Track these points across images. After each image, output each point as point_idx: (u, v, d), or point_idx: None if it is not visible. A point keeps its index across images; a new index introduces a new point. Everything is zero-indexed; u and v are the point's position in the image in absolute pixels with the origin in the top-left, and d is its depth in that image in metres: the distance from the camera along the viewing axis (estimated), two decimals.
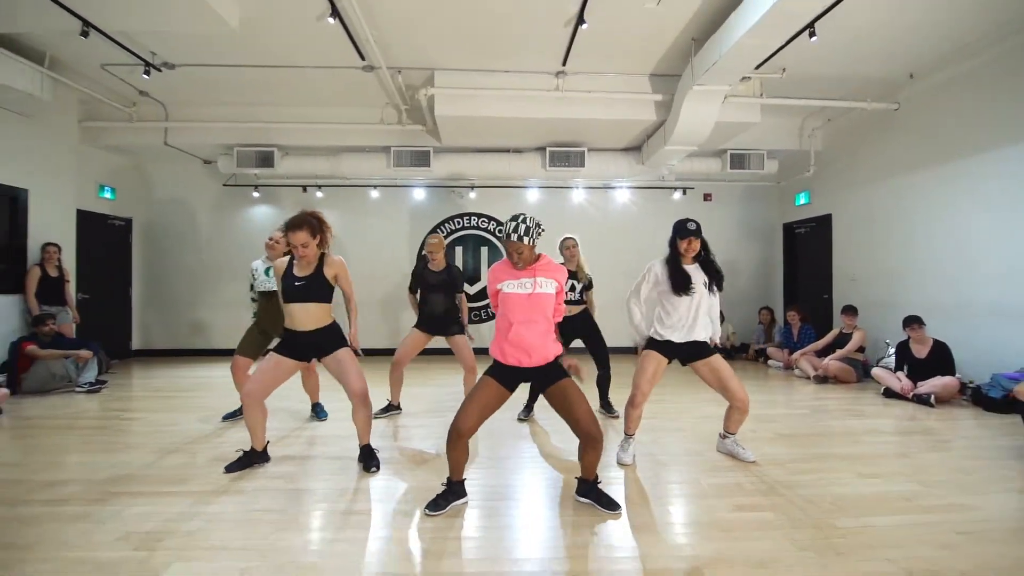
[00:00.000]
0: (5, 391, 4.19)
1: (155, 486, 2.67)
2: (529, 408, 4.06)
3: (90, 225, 6.43)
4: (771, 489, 2.60)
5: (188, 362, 6.93)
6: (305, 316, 2.80)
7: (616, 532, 2.18)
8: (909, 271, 5.49)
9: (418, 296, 4.09)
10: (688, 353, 2.92)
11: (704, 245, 2.89)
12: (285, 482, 2.72)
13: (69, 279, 5.65)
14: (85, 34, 4.17)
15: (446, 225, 7.71)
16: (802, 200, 7.25)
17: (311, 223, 2.76)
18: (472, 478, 2.69)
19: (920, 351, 4.71)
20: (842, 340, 5.67)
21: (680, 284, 2.83)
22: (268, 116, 6.20)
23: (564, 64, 5.17)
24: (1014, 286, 4.44)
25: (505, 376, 2.37)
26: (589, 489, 2.42)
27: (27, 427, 3.80)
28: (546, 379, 2.36)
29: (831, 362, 5.40)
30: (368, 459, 2.92)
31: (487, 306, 7.72)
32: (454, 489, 2.41)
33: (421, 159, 6.37)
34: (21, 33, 4.55)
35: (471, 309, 7.70)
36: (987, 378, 4.39)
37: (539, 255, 2.41)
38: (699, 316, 2.87)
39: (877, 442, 3.46)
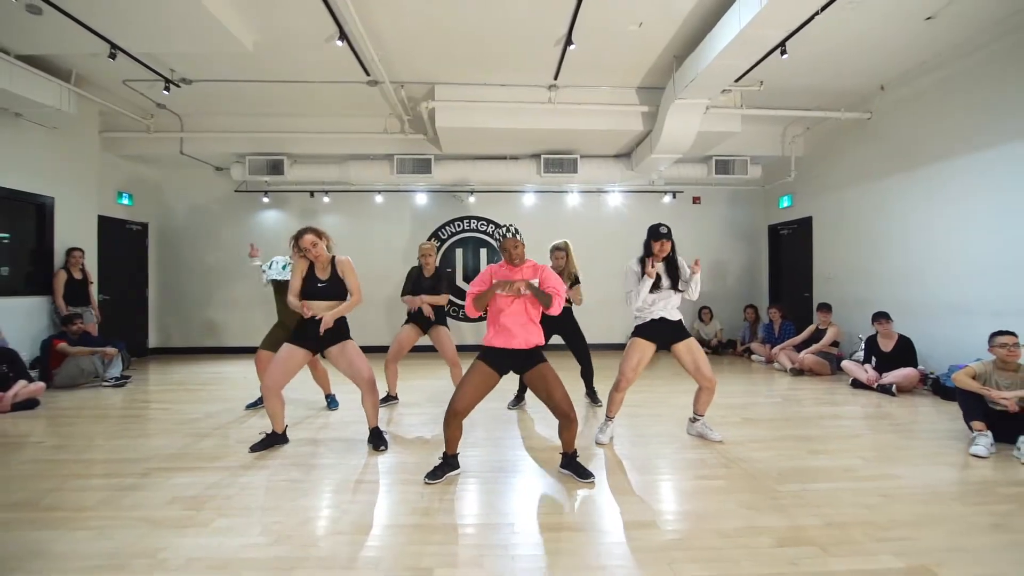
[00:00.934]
0: (42, 384, 4.58)
1: (192, 463, 3.05)
2: (519, 398, 4.44)
3: (110, 230, 6.82)
4: (729, 463, 2.98)
5: (202, 359, 7.33)
6: (325, 310, 3.21)
7: (594, 494, 2.56)
8: (881, 270, 5.85)
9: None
10: (669, 335, 3.27)
11: (672, 246, 3.26)
12: (304, 458, 3.11)
13: (92, 281, 6.04)
14: (113, 56, 4.56)
15: (447, 228, 8.09)
16: (785, 203, 7.61)
17: (315, 229, 3.26)
18: (469, 455, 3.07)
19: (886, 344, 5.07)
20: (818, 335, 6.03)
21: (657, 281, 3.23)
22: (278, 127, 6.59)
23: (556, 78, 5.55)
24: (973, 284, 4.80)
25: (494, 360, 2.74)
26: (568, 462, 2.81)
27: (64, 416, 4.19)
28: (527, 363, 2.74)
29: (806, 355, 5.77)
30: (377, 439, 3.30)
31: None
32: (449, 462, 2.80)
33: (423, 166, 6.75)
34: (52, 54, 4.94)
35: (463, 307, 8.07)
36: (946, 369, 4.75)
37: (526, 260, 2.83)
38: (672, 302, 3.26)
39: (835, 425, 3.83)
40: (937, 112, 5.16)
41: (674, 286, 3.27)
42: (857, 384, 5.08)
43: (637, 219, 8.10)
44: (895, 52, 4.92)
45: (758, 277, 8.32)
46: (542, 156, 6.86)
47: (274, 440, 3.31)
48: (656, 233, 3.21)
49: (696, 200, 8.22)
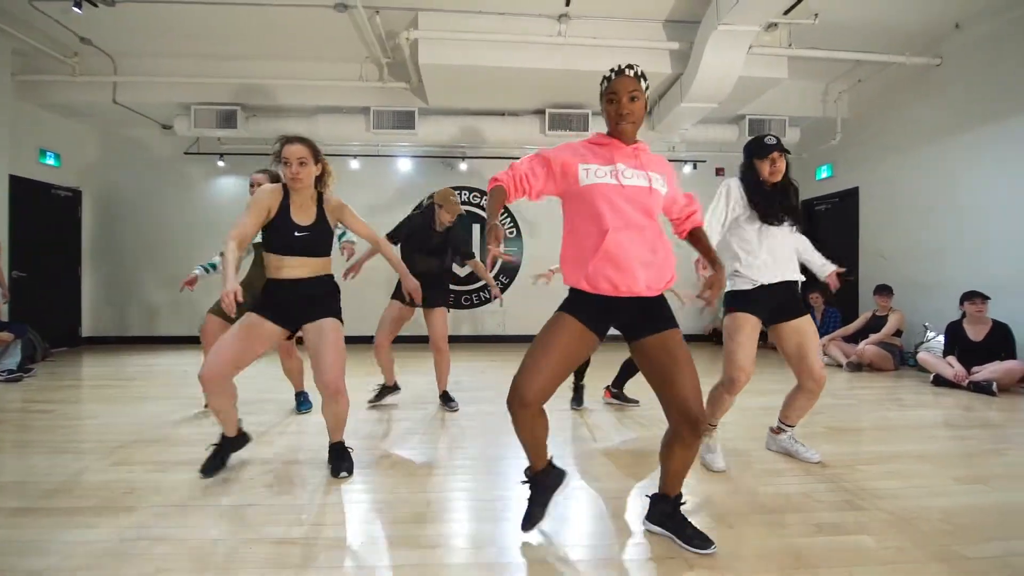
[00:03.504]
0: None
1: (69, 501, 1.98)
2: (579, 395, 3.43)
3: (28, 194, 5.66)
4: (856, 501, 1.97)
5: (145, 350, 6.19)
6: (302, 267, 2.17)
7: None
8: (950, 247, 4.88)
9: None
10: (780, 309, 2.23)
11: (788, 166, 2.22)
12: (252, 494, 2.04)
13: None
14: None
15: None
16: (824, 174, 6.63)
17: (312, 143, 2.17)
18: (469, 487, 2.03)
19: (977, 332, 4.11)
20: (876, 323, 5.07)
21: (768, 209, 2.16)
22: (231, 71, 5.46)
23: (568, 5, 4.50)
24: None
25: (591, 313, 1.57)
26: (667, 512, 1.68)
27: None
28: (647, 323, 1.56)
29: (867, 347, 4.79)
30: (338, 460, 2.26)
31: (481, 289, 7.04)
32: (541, 482, 1.71)
33: (405, 120, 5.67)
34: None
35: (461, 294, 7.03)
36: None
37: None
38: (790, 254, 2.23)
39: (952, 437, 2.86)
40: None
41: (796, 221, 2.22)
42: (940, 381, 4.11)
43: None
44: None
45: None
46: (547, 111, 5.80)
47: (229, 448, 2.31)
48: (763, 147, 2.16)
49: (720, 172, 7.21)
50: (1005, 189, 4.40)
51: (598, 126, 5.93)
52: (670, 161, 6.90)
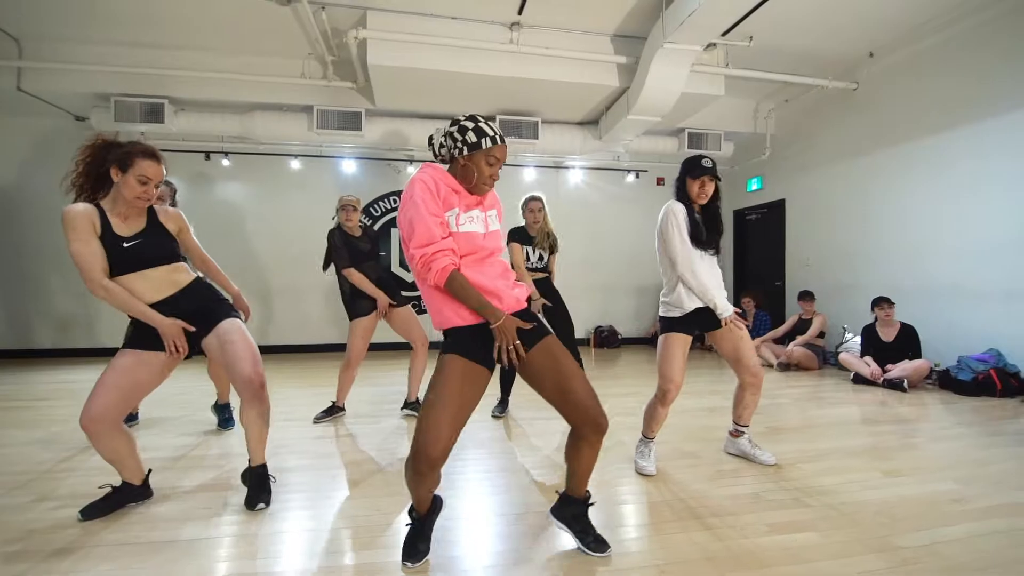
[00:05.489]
0: None
1: None
2: (504, 400, 3.42)
3: None
4: (796, 500, 2.10)
5: (56, 365, 5.59)
6: (150, 284, 1.94)
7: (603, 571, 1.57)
8: (867, 253, 5.37)
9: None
10: (708, 322, 2.37)
11: (717, 191, 2.35)
12: (136, 532, 1.87)
13: None
14: None
15: (380, 204, 6.83)
16: (754, 185, 7.09)
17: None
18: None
19: (887, 334, 4.54)
20: (802, 326, 5.48)
21: (695, 233, 2.29)
22: (158, 61, 5.04)
23: (520, 13, 4.53)
24: (975, 265, 4.35)
25: (473, 346, 1.56)
26: (575, 512, 1.75)
27: None
28: (526, 336, 1.58)
29: (795, 348, 5.17)
30: (257, 489, 2.06)
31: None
32: (428, 523, 1.69)
33: (351, 121, 5.48)
34: None
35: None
36: (954, 360, 4.26)
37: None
38: (718, 281, 2.37)
39: (877, 432, 3.10)
40: (933, 80, 4.69)
41: (716, 246, 2.37)
42: (859, 379, 4.50)
43: (600, 199, 7.33)
44: (892, 10, 4.42)
45: (722, 266, 7.78)
46: (498, 117, 5.81)
47: (125, 497, 2.02)
48: (697, 167, 2.28)
49: (660, 181, 7.53)
50: (912, 201, 4.89)
51: (548, 135, 6.03)
52: (613, 171, 7.19)
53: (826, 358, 5.36)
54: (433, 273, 1.49)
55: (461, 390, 1.52)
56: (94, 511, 1.94)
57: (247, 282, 6.03)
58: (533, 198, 3.48)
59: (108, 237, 1.85)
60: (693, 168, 2.31)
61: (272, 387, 3.96)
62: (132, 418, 3.16)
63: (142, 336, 1.94)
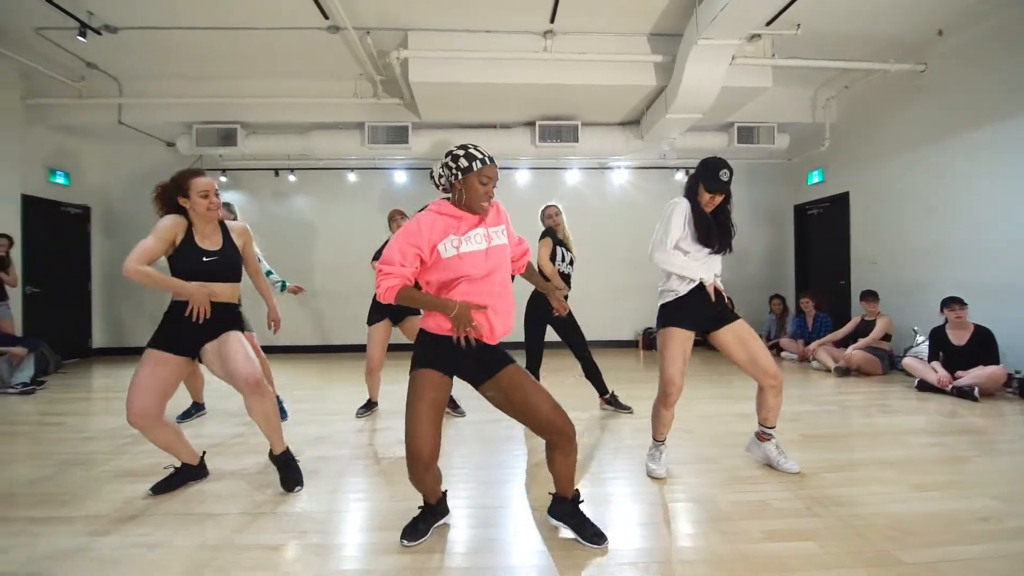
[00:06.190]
0: None
1: (28, 509, 2.12)
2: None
3: (39, 212, 5.89)
4: (807, 508, 2.05)
5: None
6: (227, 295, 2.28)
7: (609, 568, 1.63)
8: (940, 250, 4.92)
9: None
10: (710, 316, 2.35)
11: (727, 200, 2.33)
12: (216, 501, 2.17)
13: (14, 271, 5.08)
14: None
15: None
16: (815, 178, 6.68)
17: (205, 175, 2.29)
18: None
19: (959, 337, 4.15)
20: (865, 328, 5.11)
21: (706, 232, 2.28)
22: (230, 90, 5.64)
23: (552, 22, 4.62)
24: None
25: (441, 358, 1.75)
26: (567, 511, 1.86)
27: None
28: (490, 364, 1.76)
29: (855, 352, 4.84)
30: (286, 472, 2.32)
31: None
32: (433, 510, 1.89)
33: (398, 135, 5.82)
34: None
35: None
36: None
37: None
38: (714, 266, 2.35)
39: (922, 444, 2.90)
40: (1010, 57, 4.23)
41: (722, 249, 2.35)
42: (924, 386, 4.16)
43: (646, 199, 7.22)
44: None
45: (783, 264, 7.40)
46: (537, 123, 5.92)
47: (186, 476, 2.35)
48: (714, 180, 2.24)
49: None
50: (992, 191, 4.44)
51: (588, 138, 6.04)
52: (661, 169, 7.05)
53: (893, 363, 4.97)
54: (381, 289, 1.70)
55: (434, 398, 1.71)
56: (161, 487, 2.28)
57: (308, 286, 6.58)
58: (549, 206, 3.65)
59: (191, 248, 2.18)
60: (710, 180, 2.27)
61: (323, 384, 4.35)
62: (199, 408, 3.59)
63: (164, 338, 2.19)
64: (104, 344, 6.91)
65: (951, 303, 4.16)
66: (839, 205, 6.30)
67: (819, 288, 6.38)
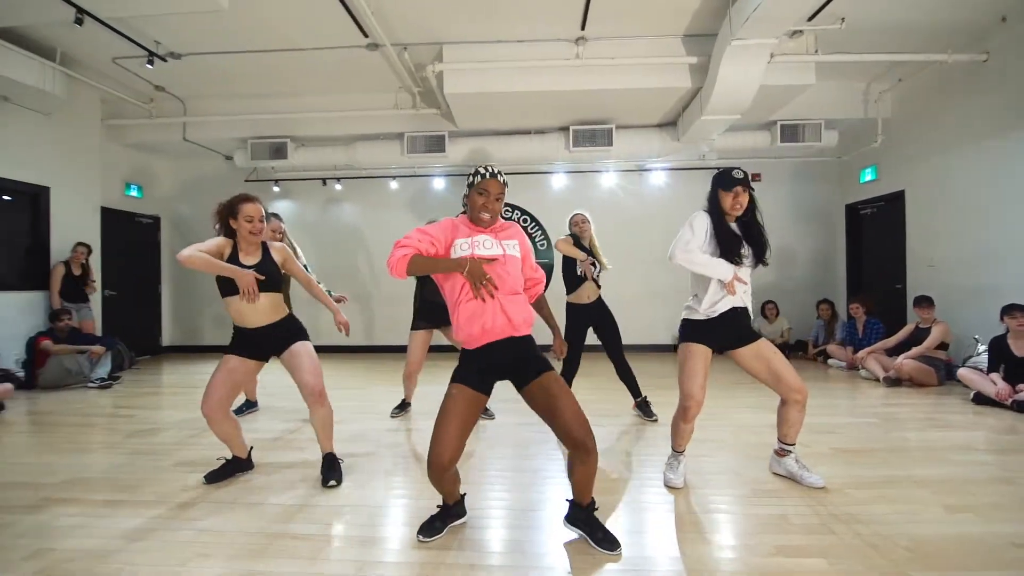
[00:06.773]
0: (8, 386, 4.15)
1: (105, 492, 2.41)
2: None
3: (116, 223, 6.50)
4: (824, 524, 2.02)
5: (217, 357, 6.89)
6: (256, 309, 2.48)
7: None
8: (1006, 253, 4.57)
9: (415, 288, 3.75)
10: (731, 337, 2.35)
11: (752, 201, 2.31)
12: (263, 492, 2.39)
13: (93, 278, 5.65)
14: (79, 21, 4.06)
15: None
16: (868, 176, 6.34)
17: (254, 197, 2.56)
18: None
19: (1021, 347, 3.86)
20: (919, 336, 4.83)
21: (729, 246, 2.27)
22: (281, 107, 6.03)
23: (583, 29, 4.65)
24: None
25: (474, 376, 1.89)
26: (580, 516, 1.92)
27: (16, 424, 3.72)
28: (527, 370, 1.86)
29: (905, 361, 4.59)
30: (328, 470, 2.54)
31: None
32: (450, 511, 2.03)
33: (436, 144, 6.01)
34: (28, 26, 4.52)
35: None
36: None
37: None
38: (746, 287, 2.33)
39: (967, 462, 2.75)
40: None
41: (759, 258, 2.33)
42: (982, 399, 3.90)
43: (685, 202, 7.05)
44: None
45: (833, 266, 7.06)
46: (571, 128, 5.96)
47: (236, 467, 2.62)
48: (728, 179, 2.25)
49: (755, 177, 7.04)
50: None
51: (623, 141, 6.02)
52: (701, 170, 6.90)
53: (951, 373, 4.67)
54: (394, 259, 1.81)
55: (465, 413, 1.83)
56: (214, 477, 2.55)
57: (354, 289, 6.93)
58: (576, 213, 3.69)
59: (234, 261, 2.44)
60: (724, 180, 2.29)
61: (365, 384, 4.56)
62: (252, 405, 3.89)
63: (240, 345, 2.51)
64: (173, 342, 7.53)
65: (1013, 310, 3.88)
66: (894, 204, 5.96)
67: (870, 292, 6.06)
